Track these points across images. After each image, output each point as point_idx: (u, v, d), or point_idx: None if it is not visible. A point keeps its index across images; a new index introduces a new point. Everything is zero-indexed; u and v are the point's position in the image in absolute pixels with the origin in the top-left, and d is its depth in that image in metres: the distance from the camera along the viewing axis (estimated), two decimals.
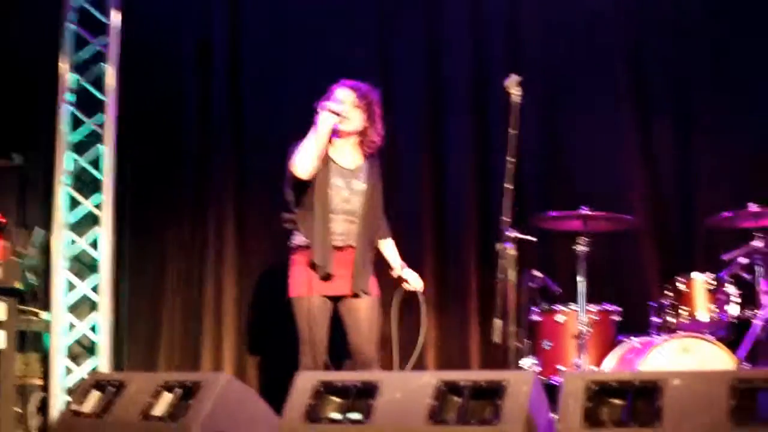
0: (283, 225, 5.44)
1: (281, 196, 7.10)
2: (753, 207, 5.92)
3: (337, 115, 5.22)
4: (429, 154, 7.32)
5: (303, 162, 5.20)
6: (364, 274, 5.31)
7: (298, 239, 5.33)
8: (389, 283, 5.61)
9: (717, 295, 6.11)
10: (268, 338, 7.31)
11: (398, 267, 5.59)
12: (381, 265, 5.61)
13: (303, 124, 6.73)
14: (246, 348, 7.36)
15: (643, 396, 3.21)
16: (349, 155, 5.46)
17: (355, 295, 5.29)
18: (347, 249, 5.32)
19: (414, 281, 5.55)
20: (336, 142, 5.41)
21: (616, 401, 3.27)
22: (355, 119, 5.37)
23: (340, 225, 5.31)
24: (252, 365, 7.32)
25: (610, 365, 6.05)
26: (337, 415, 3.62)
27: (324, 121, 5.19)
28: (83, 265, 7.42)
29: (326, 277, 5.20)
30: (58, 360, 7.14)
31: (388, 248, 5.63)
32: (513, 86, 4.81)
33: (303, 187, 5.29)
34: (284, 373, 6.85)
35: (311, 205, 5.27)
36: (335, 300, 5.32)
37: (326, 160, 5.33)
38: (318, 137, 5.18)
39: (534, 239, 4.99)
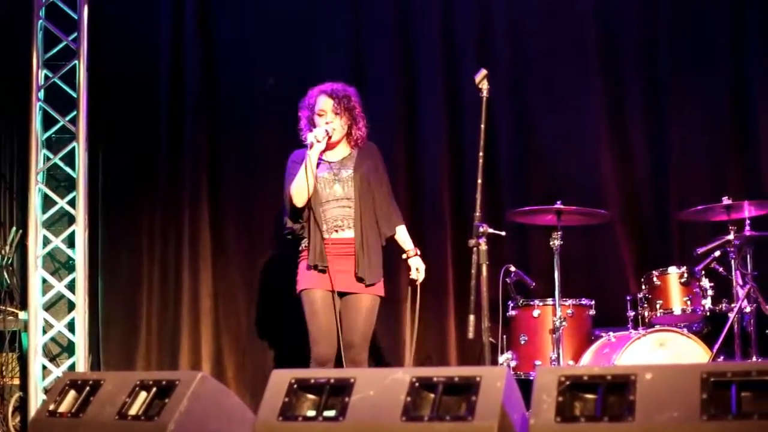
0: (286, 237, 5.64)
1: (256, 191, 7.15)
2: (726, 200, 5.97)
3: (326, 135, 5.45)
4: (403, 150, 7.34)
5: (300, 194, 5.43)
6: (366, 261, 5.41)
7: (303, 242, 5.53)
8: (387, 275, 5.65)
9: (692, 289, 6.16)
10: (247, 334, 7.31)
11: (409, 251, 5.70)
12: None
13: (276, 116, 6.71)
14: (224, 345, 7.34)
15: (615, 390, 3.22)
16: (338, 151, 5.65)
17: (357, 293, 5.44)
18: (347, 238, 5.45)
19: (414, 272, 5.65)
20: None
21: (589, 396, 3.28)
22: (339, 125, 5.55)
23: (333, 211, 5.49)
24: (230, 362, 7.30)
25: (587, 360, 6.09)
26: (312, 413, 3.61)
27: (312, 150, 5.40)
28: (59, 264, 7.40)
29: (324, 270, 5.36)
30: (36, 359, 7.11)
31: (400, 234, 5.73)
32: (482, 81, 4.81)
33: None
34: (262, 370, 6.96)
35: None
36: (340, 295, 5.44)
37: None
38: (309, 169, 5.36)
39: (503, 233, 5.00)
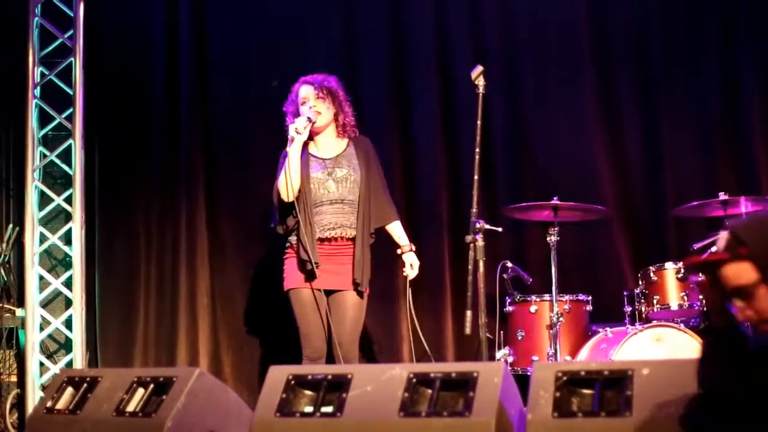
0: (277, 232, 5.60)
1: (252, 188, 7.14)
2: (722, 196, 5.97)
3: (308, 123, 5.37)
4: (398, 147, 7.33)
5: (286, 188, 5.34)
6: (361, 268, 5.38)
7: (290, 239, 5.49)
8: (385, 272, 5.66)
9: (689, 284, 6.16)
10: (244, 331, 7.30)
11: (404, 246, 5.64)
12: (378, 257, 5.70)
13: (270, 114, 6.72)
14: (221, 341, 7.33)
15: (612, 385, 3.23)
16: (330, 145, 5.59)
17: (344, 290, 5.41)
18: (340, 240, 5.42)
19: (407, 267, 5.60)
20: (316, 138, 5.56)
21: (586, 391, 3.28)
22: (324, 111, 5.50)
23: (328, 216, 5.42)
24: (227, 358, 7.30)
25: (584, 356, 6.09)
26: (309, 409, 3.62)
27: (293, 145, 5.34)
28: (56, 261, 7.39)
29: (311, 274, 5.31)
30: (33, 356, 7.10)
31: (395, 229, 5.67)
32: (478, 77, 4.82)
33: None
34: (260, 367, 6.96)
35: (297, 204, 5.38)
36: (328, 293, 5.42)
37: (306, 158, 5.46)
38: (292, 161, 5.32)
39: (500, 229, 5.01)
